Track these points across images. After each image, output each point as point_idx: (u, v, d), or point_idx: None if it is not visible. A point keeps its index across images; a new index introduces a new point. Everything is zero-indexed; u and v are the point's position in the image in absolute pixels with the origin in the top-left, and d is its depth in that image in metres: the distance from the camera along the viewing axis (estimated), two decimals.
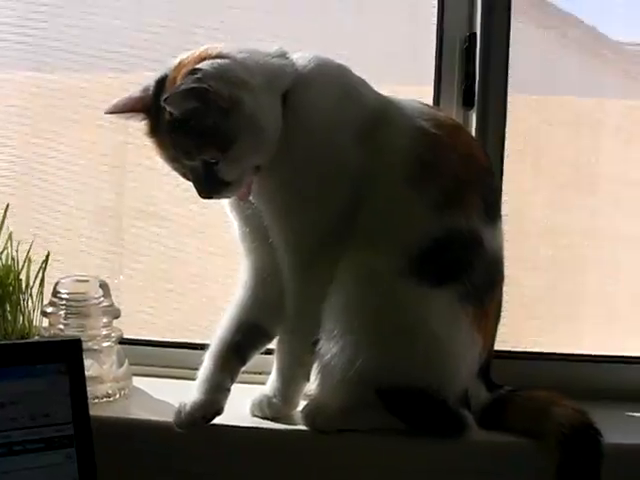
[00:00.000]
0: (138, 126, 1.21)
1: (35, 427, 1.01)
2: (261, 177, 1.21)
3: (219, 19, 1.52)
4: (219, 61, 1.15)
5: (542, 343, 1.50)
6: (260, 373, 1.34)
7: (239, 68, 1.16)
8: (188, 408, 1.20)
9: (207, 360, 1.27)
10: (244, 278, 1.30)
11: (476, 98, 1.40)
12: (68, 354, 1.05)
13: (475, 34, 1.40)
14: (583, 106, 1.54)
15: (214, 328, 1.30)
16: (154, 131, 1.19)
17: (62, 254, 1.51)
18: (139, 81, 1.22)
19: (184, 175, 1.21)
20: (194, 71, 1.13)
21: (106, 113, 1.20)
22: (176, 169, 1.20)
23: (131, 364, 1.37)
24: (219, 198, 1.21)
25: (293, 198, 1.20)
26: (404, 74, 1.48)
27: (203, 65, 1.14)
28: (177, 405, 1.22)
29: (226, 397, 1.23)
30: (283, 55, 1.22)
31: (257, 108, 1.15)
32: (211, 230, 1.56)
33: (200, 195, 1.19)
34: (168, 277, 1.60)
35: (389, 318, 1.17)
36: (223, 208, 1.35)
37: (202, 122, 1.13)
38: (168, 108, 1.12)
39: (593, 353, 1.48)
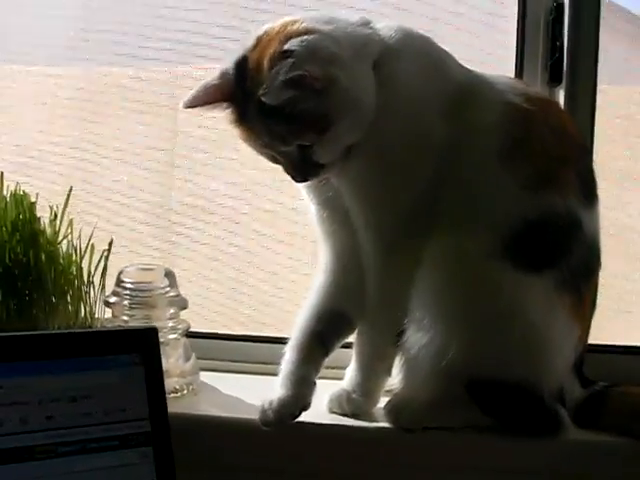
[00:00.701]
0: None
1: (110, 423, 0.94)
2: (353, 151, 1.13)
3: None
4: (308, 38, 1.06)
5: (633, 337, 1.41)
6: (334, 368, 1.26)
7: (329, 42, 1.07)
8: (275, 405, 1.12)
9: (289, 352, 1.19)
10: (323, 263, 1.22)
11: (564, 73, 1.31)
12: (143, 344, 0.98)
13: (562, 4, 1.31)
14: None
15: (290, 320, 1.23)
16: (241, 119, 1.11)
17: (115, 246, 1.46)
18: (191, 74, 1.16)
19: (274, 160, 1.14)
20: (284, 53, 1.04)
21: (185, 107, 1.12)
22: (264, 154, 1.14)
23: (198, 358, 1.30)
24: (313, 180, 1.14)
25: (378, 175, 1.13)
26: (483, 50, 1.39)
27: (293, 46, 1.04)
28: (261, 402, 1.14)
29: (312, 391, 1.15)
30: (367, 24, 1.14)
31: (352, 82, 1.07)
32: (272, 221, 1.53)
33: (295, 180, 1.13)
34: (228, 270, 1.55)
35: (483, 304, 1.09)
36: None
37: (299, 107, 1.06)
38: (267, 102, 1.04)
39: None
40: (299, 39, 1.05)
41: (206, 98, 1.11)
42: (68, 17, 1.57)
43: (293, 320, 1.48)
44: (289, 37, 1.06)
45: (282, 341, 1.36)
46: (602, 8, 1.31)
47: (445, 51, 1.18)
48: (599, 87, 1.33)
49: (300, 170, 1.12)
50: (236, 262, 1.56)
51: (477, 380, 1.10)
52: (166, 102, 1.55)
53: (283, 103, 1.05)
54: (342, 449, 1.16)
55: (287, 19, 1.11)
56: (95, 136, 1.57)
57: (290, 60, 1.03)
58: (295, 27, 1.08)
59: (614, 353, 1.35)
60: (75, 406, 0.93)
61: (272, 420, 1.12)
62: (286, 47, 1.04)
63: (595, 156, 1.26)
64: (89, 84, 1.58)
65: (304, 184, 1.18)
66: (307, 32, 1.07)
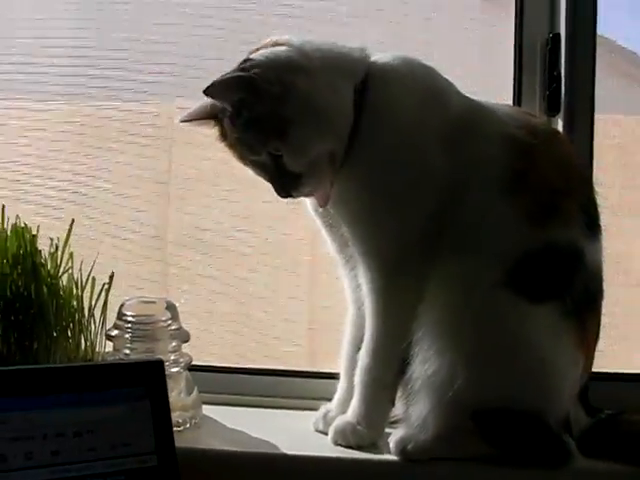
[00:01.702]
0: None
1: (116, 458, 0.93)
2: (339, 179, 1.14)
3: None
4: (272, 49, 1.12)
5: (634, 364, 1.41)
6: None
7: (294, 53, 1.11)
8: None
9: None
10: (347, 292, 1.23)
11: (562, 103, 1.32)
12: (149, 377, 0.96)
13: (558, 35, 1.32)
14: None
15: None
16: (223, 134, 1.15)
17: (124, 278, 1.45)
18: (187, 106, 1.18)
19: (261, 175, 1.16)
20: (244, 61, 1.11)
21: (181, 122, 1.17)
22: (253, 170, 1.16)
23: (200, 392, 1.29)
24: (298, 196, 1.15)
25: (371, 201, 1.13)
26: (481, 80, 1.40)
27: (254, 54, 1.11)
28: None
29: None
30: (361, 50, 1.16)
31: (314, 90, 1.10)
32: (273, 252, 1.53)
33: (279, 194, 1.14)
34: (228, 302, 1.55)
35: (488, 335, 1.09)
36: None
37: (256, 111, 1.09)
38: (210, 99, 1.09)
39: None
40: (263, 50, 1.11)
41: (196, 114, 1.16)
42: (64, 53, 1.58)
43: (296, 352, 1.49)
44: (259, 49, 1.12)
45: (284, 373, 1.36)
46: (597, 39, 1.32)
47: (447, 81, 1.18)
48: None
49: (279, 182, 1.13)
50: (236, 294, 1.55)
51: (484, 411, 1.10)
52: (161, 135, 1.56)
53: (237, 105, 1.09)
54: None
55: (275, 37, 1.15)
56: (91, 170, 1.57)
57: (242, 65, 1.09)
58: (269, 41, 1.13)
59: (618, 380, 1.34)
60: (80, 441, 0.92)
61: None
62: (249, 56, 1.11)
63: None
64: (84, 119, 1.58)
65: (314, 214, 1.20)
66: (276, 44, 1.12)
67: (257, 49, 1.13)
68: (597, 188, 1.18)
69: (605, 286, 1.17)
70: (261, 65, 1.09)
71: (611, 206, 1.41)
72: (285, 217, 1.48)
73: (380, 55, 1.17)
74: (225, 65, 1.29)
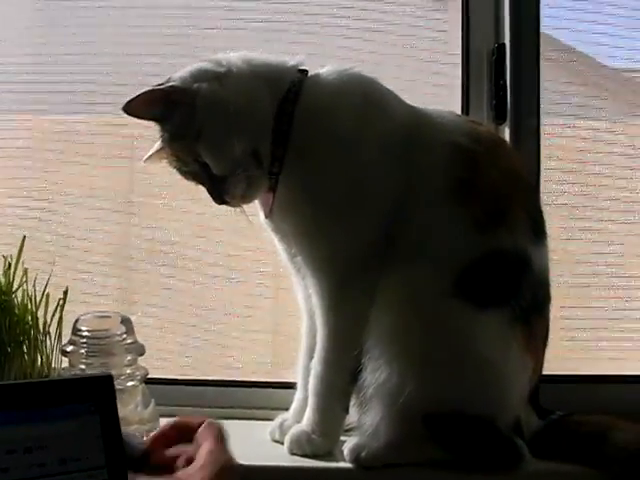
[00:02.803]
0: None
1: (66, 473, 0.92)
2: (280, 188, 1.16)
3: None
4: (189, 67, 1.17)
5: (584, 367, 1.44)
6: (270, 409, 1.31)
7: (208, 64, 1.16)
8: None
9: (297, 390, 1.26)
10: (300, 302, 1.25)
11: (508, 112, 1.34)
12: (98, 392, 0.97)
13: (504, 44, 1.35)
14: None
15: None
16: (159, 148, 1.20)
17: (78, 293, 1.46)
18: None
19: (200, 184, 1.19)
20: (168, 80, 1.16)
21: (144, 162, 1.23)
22: (192, 181, 1.19)
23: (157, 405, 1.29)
24: (232, 201, 1.17)
25: (312, 213, 1.15)
26: (430, 91, 1.42)
27: (174, 75, 1.17)
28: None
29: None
30: (294, 62, 1.20)
31: (221, 93, 1.14)
32: (233, 265, 1.53)
33: (214, 201, 1.18)
34: (185, 314, 1.54)
35: (436, 342, 1.11)
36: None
37: (174, 123, 1.14)
38: (128, 116, 1.13)
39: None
40: (186, 68, 1.17)
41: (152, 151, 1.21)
42: (19, 65, 1.57)
43: (255, 363, 1.49)
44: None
45: (242, 384, 1.37)
46: (544, 46, 1.35)
47: (389, 92, 1.20)
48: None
49: (211, 188, 1.17)
50: (196, 306, 1.56)
51: (435, 416, 1.11)
52: (121, 149, 1.56)
53: (157, 119, 1.15)
54: None
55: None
56: (49, 184, 1.57)
57: (160, 83, 1.14)
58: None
59: (569, 383, 1.37)
60: (31, 457, 0.91)
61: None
62: (172, 76, 1.16)
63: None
64: (41, 133, 1.57)
65: (264, 225, 1.21)
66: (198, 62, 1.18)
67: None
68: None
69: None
70: (175, 79, 1.15)
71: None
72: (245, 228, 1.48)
73: (323, 69, 1.19)
74: None
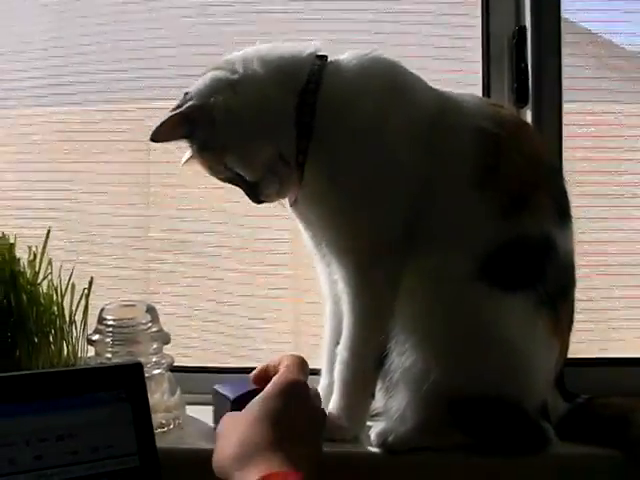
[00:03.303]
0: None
1: (98, 460, 0.94)
2: (306, 177, 1.16)
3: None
4: (205, 76, 1.17)
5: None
6: None
7: (221, 72, 1.16)
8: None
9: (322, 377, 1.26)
10: (324, 288, 1.25)
11: (530, 95, 1.34)
12: (128, 380, 0.98)
13: (524, 27, 1.34)
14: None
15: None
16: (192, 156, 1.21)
17: (103, 283, 1.48)
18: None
19: (237, 187, 1.20)
20: (184, 95, 1.17)
21: (151, 140, 1.17)
22: (229, 183, 1.20)
23: (183, 392, 1.30)
24: (269, 200, 1.19)
25: (338, 201, 1.15)
26: (451, 73, 1.42)
27: (190, 88, 1.17)
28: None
29: None
30: (310, 50, 1.18)
31: (237, 102, 1.14)
32: (252, 253, 1.54)
33: (252, 201, 1.19)
34: (206, 302, 1.56)
35: (462, 326, 1.10)
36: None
37: (199, 139, 1.15)
38: (151, 140, 1.14)
39: None
40: (202, 77, 1.17)
41: (166, 136, 1.18)
42: (37, 57, 1.58)
43: (274, 350, 1.50)
44: (202, 75, 1.17)
45: None
46: (562, 29, 1.34)
47: (414, 76, 1.19)
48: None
49: (248, 192, 1.19)
50: (216, 295, 1.56)
51: (461, 400, 1.11)
52: (139, 138, 1.56)
53: (184, 139, 1.16)
54: (331, 476, 1.16)
55: (223, 58, 1.19)
56: (69, 175, 1.58)
57: (178, 104, 1.16)
58: (207, 68, 1.18)
59: (595, 366, 1.37)
60: (63, 445, 0.93)
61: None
62: (187, 91, 1.17)
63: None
64: (60, 124, 1.58)
65: (289, 209, 1.22)
66: (210, 70, 1.18)
67: (208, 70, 1.18)
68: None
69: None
70: (192, 98, 1.15)
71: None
72: (267, 216, 1.49)
73: (344, 54, 1.19)
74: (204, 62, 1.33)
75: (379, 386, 1.18)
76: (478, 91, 1.38)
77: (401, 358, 1.12)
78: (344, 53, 1.20)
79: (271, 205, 1.21)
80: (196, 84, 1.17)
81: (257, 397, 0.99)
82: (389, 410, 1.15)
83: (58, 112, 1.58)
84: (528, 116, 1.35)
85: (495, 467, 1.14)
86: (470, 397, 1.11)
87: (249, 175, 1.17)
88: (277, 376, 1.02)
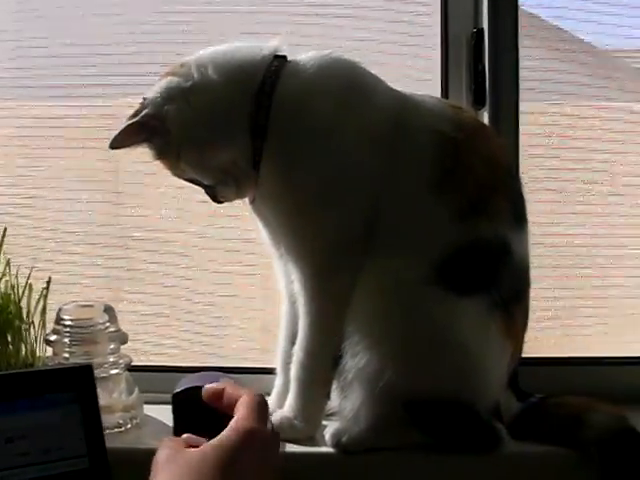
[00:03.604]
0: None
1: (48, 462, 0.94)
2: (262, 175, 1.17)
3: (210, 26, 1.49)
4: (160, 82, 1.18)
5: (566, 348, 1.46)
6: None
7: (174, 79, 1.17)
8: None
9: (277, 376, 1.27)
10: (281, 287, 1.26)
11: (487, 96, 1.35)
12: (79, 382, 0.98)
13: (482, 30, 1.35)
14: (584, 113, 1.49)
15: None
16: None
17: (59, 282, 1.46)
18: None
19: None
20: (142, 101, 1.18)
21: (110, 148, 1.18)
22: (191, 183, 1.22)
23: (142, 392, 1.30)
24: (228, 200, 1.21)
25: (293, 202, 1.16)
26: (410, 73, 1.43)
27: (147, 94, 1.18)
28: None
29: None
30: (268, 50, 1.18)
31: (189, 112, 1.15)
32: (222, 252, 1.54)
33: (212, 201, 1.22)
34: (178, 300, 1.56)
35: (416, 329, 1.12)
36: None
37: (156, 145, 1.17)
38: (109, 148, 1.16)
39: (615, 355, 1.43)
40: (158, 84, 1.17)
41: (125, 142, 1.19)
42: (2, 51, 1.56)
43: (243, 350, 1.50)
44: (159, 81, 1.18)
45: (228, 370, 1.37)
46: (520, 33, 1.35)
47: (374, 77, 1.19)
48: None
49: (207, 193, 1.21)
50: (184, 293, 1.56)
51: (415, 401, 1.12)
52: (106, 135, 1.55)
53: (143, 144, 1.17)
54: (288, 476, 1.17)
55: (180, 61, 1.20)
56: (34, 172, 1.56)
57: (136, 111, 1.16)
58: (165, 71, 1.20)
59: (550, 365, 1.38)
60: (12, 447, 0.94)
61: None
62: (144, 96, 1.18)
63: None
64: (22, 119, 1.57)
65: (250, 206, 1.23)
66: (167, 75, 1.18)
67: (165, 74, 1.19)
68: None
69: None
70: (148, 105, 1.16)
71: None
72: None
73: (303, 54, 1.19)
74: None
75: (334, 386, 1.19)
76: (437, 92, 1.38)
77: (355, 358, 1.13)
78: (304, 53, 1.20)
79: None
80: (152, 90, 1.18)
81: (211, 441, 0.89)
82: (343, 410, 1.16)
83: (24, 107, 1.57)
84: (485, 118, 1.36)
85: (449, 467, 1.16)
86: (423, 398, 1.12)
87: (205, 179, 1.19)
88: (236, 420, 0.91)
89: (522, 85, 1.37)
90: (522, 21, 1.36)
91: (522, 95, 1.37)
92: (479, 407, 1.14)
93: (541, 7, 1.46)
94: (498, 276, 1.14)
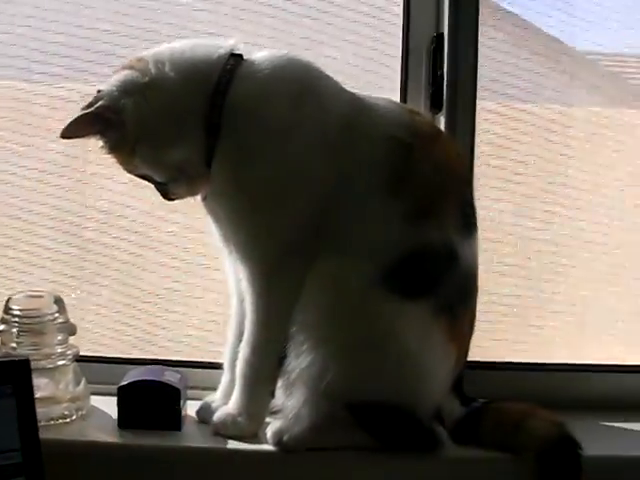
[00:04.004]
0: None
1: None
2: (213, 174, 1.17)
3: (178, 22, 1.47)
4: (116, 76, 1.18)
5: (512, 353, 1.47)
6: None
7: (132, 73, 1.17)
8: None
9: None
10: (230, 284, 1.26)
11: (444, 101, 1.35)
12: (15, 375, 0.99)
13: (442, 34, 1.35)
14: (546, 114, 1.49)
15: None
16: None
17: (15, 270, 1.48)
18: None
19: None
20: (97, 93, 1.17)
21: (61, 137, 1.18)
22: (142, 179, 1.23)
23: (89, 383, 1.31)
24: (179, 198, 1.22)
25: (241, 201, 1.17)
26: (370, 76, 1.43)
27: (103, 85, 1.18)
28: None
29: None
30: (224, 49, 1.18)
31: (146, 108, 1.15)
32: (174, 242, 1.51)
33: (163, 198, 1.22)
34: (129, 291, 1.54)
35: (359, 330, 1.13)
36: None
37: (110, 139, 1.17)
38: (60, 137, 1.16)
39: (564, 362, 1.45)
40: (115, 76, 1.17)
41: (77, 133, 1.19)
42: None
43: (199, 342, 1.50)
44: (115, 73, 1.18)
45: (175, 364, 1.38)
46: (480, 37, 1.36)
47: (328, 78, 1.20)
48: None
49: (158, 190, 1.22)
50: (141, 284, 1.54)
51: (356, 402, 1.14)
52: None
53: (96, 136, 1.17)
54: (227, 473, 1.18)
55: (135, 56, 1.20)
56: None
57: (90, 102, 1.16)
58: (123, 64, 1.20)
59: (495, 370, 1.40)
60: None
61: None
62: (100, 87, 1.17)
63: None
64: None
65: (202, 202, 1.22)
66: (124, 68, 1.18)
67: (122, 68, 1.19)
68: None
69: None
70: (103, 97, 1.16)
71: None
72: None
73: (259, 54, 1.19)
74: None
75: (279, 384, 1.20)
76: (396, 95, 1.39)
77: (299, 359, 1.14)
78: (260, 51, 1.20)
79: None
80: (108, 82, 1.17)
81: None
82: (286, 409, 1.17)
83: None
84: (442, 122, 1.37)
85: (389, 468, 1.17)
86: (364, 400, 1.13)
87: (158, 176, 1.19)
88: None
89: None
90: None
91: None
92: (419, 410, 1.15)
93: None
94: (444, 281, 1.16)
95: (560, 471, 1.13)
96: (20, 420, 0.97)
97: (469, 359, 1.25)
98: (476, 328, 1.24)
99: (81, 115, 1.15)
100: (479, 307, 1.24)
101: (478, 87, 1.38)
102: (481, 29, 1.37)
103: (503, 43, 1.45)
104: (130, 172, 1.21)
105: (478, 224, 1.22)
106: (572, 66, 1.50)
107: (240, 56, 1.19)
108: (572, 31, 1.47)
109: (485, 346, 1.40)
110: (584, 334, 1.52)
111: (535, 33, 1.48)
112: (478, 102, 1.38)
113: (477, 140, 1.38)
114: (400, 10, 1.38)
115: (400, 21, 1.39)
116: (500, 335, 1.48)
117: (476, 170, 1.38)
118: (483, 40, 1.38)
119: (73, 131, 1.16)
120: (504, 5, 1.45)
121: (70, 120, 1.15)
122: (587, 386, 1.40)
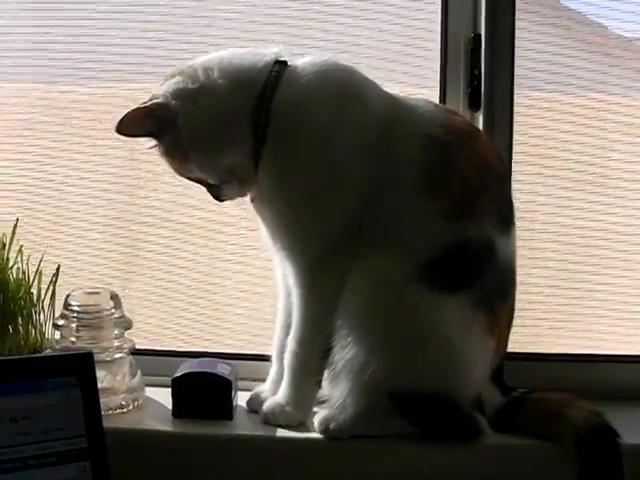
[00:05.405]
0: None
1: (48, 441, 1.02)
2: (260, 176, 1.22)
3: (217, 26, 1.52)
4: (171, 80, 1.23)
5: (556, 344, 1.49)
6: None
7: (182, 81, 1.22)
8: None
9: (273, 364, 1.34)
10: (278, 280, 1.31)
11: (482, 100, 1.39)
12: (80, 367, 1.05)
13: (480, 35, 1.39)
14: (590, 103, 1.50)
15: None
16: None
17: (73, 267, 1.53)
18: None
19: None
20: (152, 98, 1.22)
21: (116, 132, 1.22)
22: (193, 182, 1.29)
23: (144, 375, 1.37)
24: (230, 199, 1.28)
25: (287, 201, 1.22)
26: (409, 77, 1.46)
27: (159, 89, 1.23)
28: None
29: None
30: (269, 55, 1.23)
31: (197, 114, 1.20)
32: (225, 238, 1.56)
33: (215, 199, 1.28)
34: (180, 287, 1.59)
35: (401, 324, 1.17)
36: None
37: (165, 141, 1.22)
38: (116, 132, 1.20)
39: (606, 353, 1.47)
40: (167, 83, 1.22)
41: (134, 131, 1.24)
42: (21, 34, 1.56)
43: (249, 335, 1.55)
44: (166, 80, 1.24)
45: (227, 356, 1.44)
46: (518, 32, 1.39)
47: (367, 81, 1.25)
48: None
49: (210, 192, 1.28)
50: (195, 281, 1.57)
51: (399, 392, 1.18)
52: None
53: (149, 136, 1.22)
54: (276, 460, 1.23)
55: (180, 64, 1.26)
56: (49, 157, 1.57)
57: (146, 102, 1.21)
58: (171, 71, 1.25)
59: (536, 360, 1.43)
60: (16, 426, 1.01)
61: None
62: (154, 93, 1.22)
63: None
64: (36, 101, 1.57)
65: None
66: (174, 75, 1.23)
67: (170, 75, 1.24)
68: None
69: None
70: (158, 97, 1.21)
71: None
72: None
73: (302, 59, 1.24)
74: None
75: (325, 375, 1.25)
76: (435, 95, 1.43)
77: (344, 350, 1.19)
78: (303, 57, 1.25)
79: None
80: (161, 88, 1.23)
81: None
82: (332, 399, 1.23)
83: (36, 89, 1.56)
84: (480, 121, 1.40)
85: (431, 455, 1.22)
86: (407, 389, 1.18)
87: (211, 179, 1.25)
88: None
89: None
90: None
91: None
92: (460, 399, 1.19)
93: None
94: (482, 276, 1.19)
95: (599, 458, 1.16)
96: (85, 409, 1.04)
97: (510, 350, 1.29)
98: (519, 321, 1.28)
99: (136, 109, 1.21)
100: (521, 298, 1.28)
101: (515, 81, 1.40)
102: (520, 23, 1.40)
103: (545, 36, 1.46)
104: (182, 175, 1.27)
105: (516, 219, 1.26)
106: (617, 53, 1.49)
107: (285, 62, 1.24)
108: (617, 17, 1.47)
109: (530, 340, 1.45)
110: (628, 325, 1.52)
111: (578, 21, 1.48)
112: (516, 97, 1.40)
113: (515, 137, 1.41)
114: (438, 10, 1.42)
115: (438, 23, 1.42)
116: (545, 327, 1.51)
117: (514, 167, 1.41)
118: (522, 35, 1.40)
119: (128, 126, 1.20)
120: None
121: (125, 114, 1.20)
122: (629, 377, 1.42)
